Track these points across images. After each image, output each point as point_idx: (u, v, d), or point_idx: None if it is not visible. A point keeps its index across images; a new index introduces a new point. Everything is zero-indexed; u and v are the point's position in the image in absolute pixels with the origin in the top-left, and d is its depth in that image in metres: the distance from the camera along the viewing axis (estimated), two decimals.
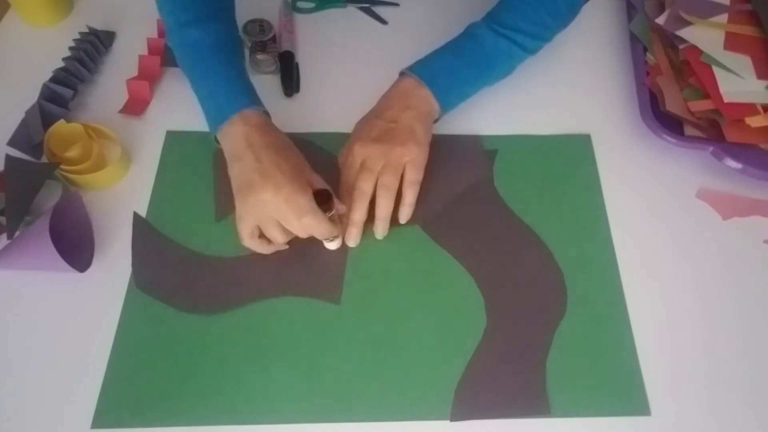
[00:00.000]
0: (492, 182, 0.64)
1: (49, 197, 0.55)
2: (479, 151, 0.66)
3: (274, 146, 0.55)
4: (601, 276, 0.59)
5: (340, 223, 0.58)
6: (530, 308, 0.56)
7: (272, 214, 0.53)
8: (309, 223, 0.53)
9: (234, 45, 0.62)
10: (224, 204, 0.61)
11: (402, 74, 0.63)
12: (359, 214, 0.58)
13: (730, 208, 0.64)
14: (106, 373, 0.52)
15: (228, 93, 0.58)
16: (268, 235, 0.55)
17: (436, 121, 0.63)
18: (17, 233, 0.56)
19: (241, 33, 0.72)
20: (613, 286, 0.58)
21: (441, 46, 0.64)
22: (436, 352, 0.54)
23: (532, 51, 0.65)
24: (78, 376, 0.52)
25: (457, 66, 0.62)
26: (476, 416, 0.51)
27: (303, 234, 0.54)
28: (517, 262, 0.59)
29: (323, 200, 0.55)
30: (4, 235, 0.57)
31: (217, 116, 0.57)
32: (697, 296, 0.58)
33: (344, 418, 0.51)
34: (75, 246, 0.56)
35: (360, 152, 0.58)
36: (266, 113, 0.59)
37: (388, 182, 0.58)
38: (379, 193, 0.58)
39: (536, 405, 0.52)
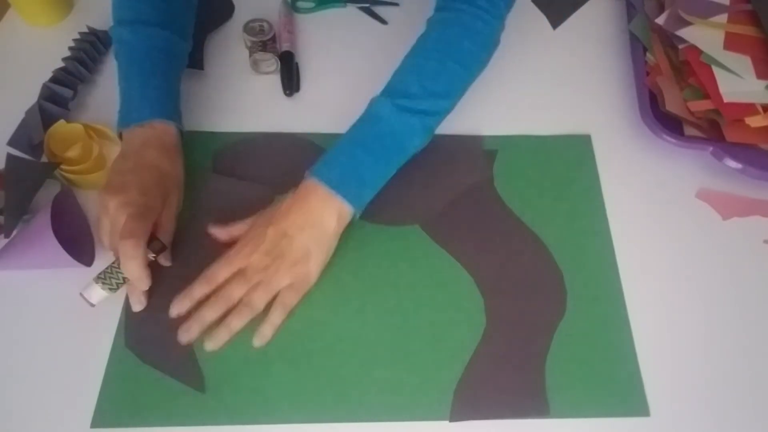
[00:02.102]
0: (492, 182, 0.64)
1: (48, 197, 0.55)
2: (479, 152, 0.66)
3: (155, 170, 0.55)
4: (601, 276, 0.59)
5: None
6: (530, 309, 0.56)
7: (104, 222, 0.54)
8: (125, 248, 0.50)
9: (164, 52, 0.61)
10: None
11: (309, 177, 0.56)
12: (211, 315, 0.52)
13: (730, 208, 0.64)
14: (106, 372, 0.52)
15: (141, 98, 0.58)
16: (96, 232, 0.56)
17: (350, 223, 0.57)
18: (15, 232, 0.56)
19: (241, 33, 0.73)
20: (613, 287, 0.58)
21: (342, 139, 0.57)
22: (435, 353, 0.54)
23: (448, 111, 0.60)
24: (78, 376, 0.52)
25: (367, 161, 0.56)
26: (475, 417, 0.51)
27: (108, 247, 0.54)
28: (516, 263, 0.59)
29: (155, 248, 0.53)
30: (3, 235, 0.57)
31: (125, 118, 0.58)
32: (697, 296, 0.58)
33: (344, 418, 0.51)
34: (75, 242, 0.56)
35: (241, 256, 0.54)
36: (178, 131, 0.59)
37: (256, 303, 0.53)
38: (239, 307, 0.53)
39: (536, 406, 0.52)
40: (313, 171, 0.56)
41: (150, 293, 0.55)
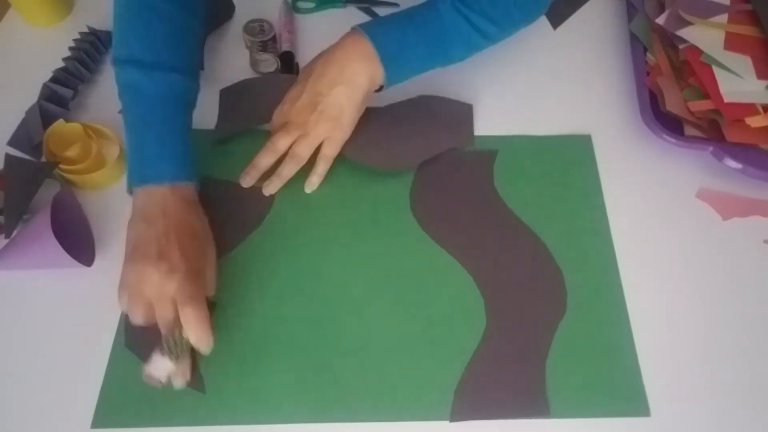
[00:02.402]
0: (492, 182, 0.64)
1: (48, 196, 0.55)
2: (467, 119, 0.67)
3: (188, 230, 0.52)
4: (601, 276, 0.59)
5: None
6: (530, 309, 0.56)
7: (148, 293, 0.49)
8: (189, 314, 0.48)
9: (182, 100, 0.58)
10: None
11: (354, 31, 0.59)
12: (264, 160, 0.60)
13: (730, 208, 0.64)
14: (106, 372, 0.52)
15: (160, 156, 0.53)
16: (128, 309, 0.49)
17: (377, 91, 0.61)
18: (15, 232, 0.56)
19: (241, 33, 0.73)
20: (613, 287, 0.58)
21: (400, 12, 0.60)
22: (435, 353, 0.54)
23: (493, 40, 0.63)
24: (78, 376, 0.52)
25: (412, 39, 0.59)
26: (476, 417, 0.51)
27: (163, 325, 0.49)
28: (516, 263, 0.59)
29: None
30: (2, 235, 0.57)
31: (140, 174, 0.53)
32: (697, 296, 0.58)
33: (344, 418, 0.51)
34: (75, 241, 0.56)
35: (287, 111, 0.60)
36: (196, 187, 0.56)
37: (300, 153, 0.60)
38: (286, 159, 0.60)
39: (536, 406, 0.52)
40: (361, 26, 0.59)
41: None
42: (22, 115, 0.65)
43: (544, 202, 0.63)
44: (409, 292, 0.57)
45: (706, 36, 0.68)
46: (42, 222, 0.53)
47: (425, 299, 0.57)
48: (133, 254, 0.50)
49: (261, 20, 0.73)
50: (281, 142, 0.59)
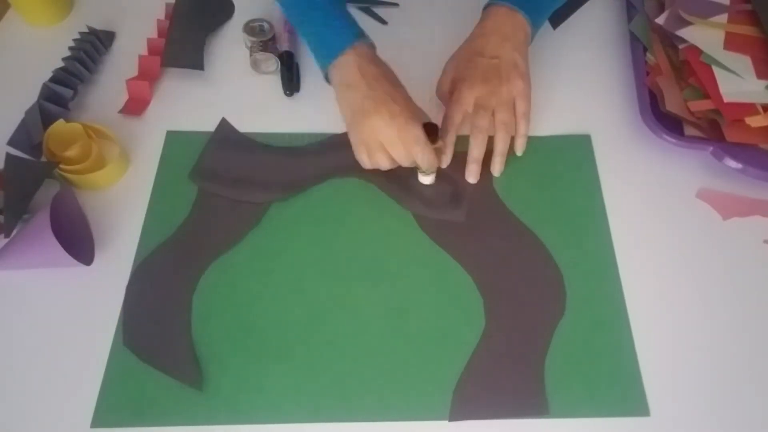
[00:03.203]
0: (491, 183, 0.64)
1: (48, 196, 0.55)
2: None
3: (385, 77, 0.58)
4: (601, 276, 0.59)
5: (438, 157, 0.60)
6: (529, 309, 0.56)
7: (382, 140, 0.56)
8: (418, 153, 0.56)
9: None
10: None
11: (490, 3, 0.64)
12: (479, 150, 0.62)
13: (730, 208, 0.64)
14: (106, 372, 0.52)
15: (339, 28, 0.59)
16: (373, 160, 0.59)
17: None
18: (14, 232, 0.56)
19: (242, 33, 0.73)
20: (613, 287, 0.58)
21: None
22: (435, 352, 0.54)
23: None
24: (78, 375, 0.52)
25: None
26: (475, 416, 0.51)
27: (406, 162, 0.58)
28: (516, 263, 0.59)
29: (429, 132, 0.58)
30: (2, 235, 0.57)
31: (330, 51, 0.59)
32: (696, 296, 0.58)
33: (343, 418, 0.51)
34: (75, 241, 0.56)
35: (470, 93, 0.61)
36: (373, 46, 0.61)
37: (506, 119, 0.61)
38: (498, 131, 0.62)
39: (535, 405, 0.52)
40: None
41: (147, 294, 0.56)
42: (22, 115, 0.65)
43: (543, 202, 0.63)
44: (408, 292, 0.57)
45: (706, 36, 0.68)
46: (42, 221, 0.53)
47: (424, 299, 0.57)
48: (354, 118, 0.58)
49: (261, 20, 0.73)
50: (484, 122, 0.61)
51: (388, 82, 0.58)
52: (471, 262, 0.59)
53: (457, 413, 0.51)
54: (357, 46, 0.58)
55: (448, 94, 0.64)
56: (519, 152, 0.64)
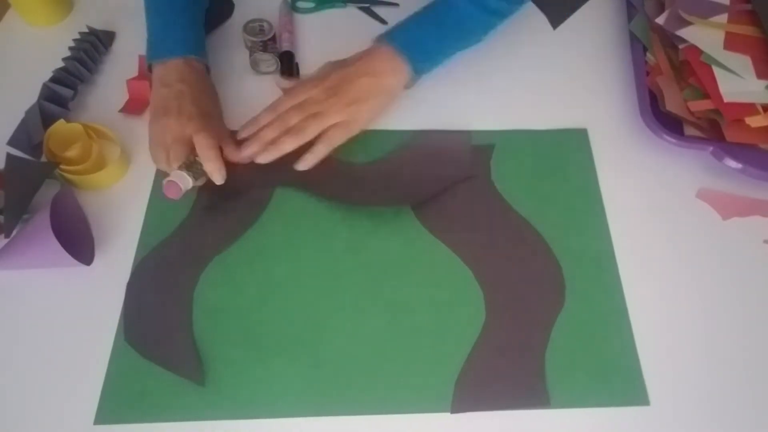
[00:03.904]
0: (489, 177, 0.64)
1: (48, 196, 0.55)
2: (467, 148, 0.66)
3: (201, 91, 0.61)
4: (600, 271, 0.59)
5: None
6: (529, 301, 0.57)
7: (169, 139, 0.58)
8: (201, 140, 0.57)
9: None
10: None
11: (379, 41, 0.64)
12: (266, 119, 0.61)
13: (730, 208, 0.64)
14: (109, 368, 0.52)
15: (181, 37, 0.62)
16: (152, 154, 0.60)
17: (407, 88, 0.66)
18: (14, 232, 0.56)
19: (241, 33, 0.73)
20: (612, 283, 0.58)
21: (417, 13, 0.65)
22: (435, 346, 0.54)
23: (506, 15, 0.67)
24: (80, 372, 0.52)
25: (434, 35, 0.64)
26: (477, 408, 0.51)
27: (176, 163, 0.57)
28: (515, 256, 0.59)
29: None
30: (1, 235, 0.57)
31: (162, 50, 0.61)
32: (696, 296, 0.58)
33: (344, 412, 0.51)
34: (75, 240, 0.56)
35: (305, 91, 0.61)
36: (208, 68, 0.64)
37: (306, 129, 0.60)
38: (291, 131, 0.60)
39: (536, 396, 0.52)
40: (383, 35, 0.64)
41: (148, 290, 0.56)
42: (22, 115, 0.65)
43: (541, 196, 0.63)
44: (409, 286, 0.57)
45: (706, 36, 0.68)
46: (42, 221, 0.53)
47: (424, 293, 0.57)
48: (155, 113, 0.59)
49: (261, 20, 0.73)
50: (291, 117, 0.60)
51: (200, 94, 0.61)
52: (470, 256, 0.59)
53: (459, 405, 0.51)
54: (191, 59, 0.62)
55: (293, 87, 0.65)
56: (299, 167, 0.61)
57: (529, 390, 0.52)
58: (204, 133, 0.57)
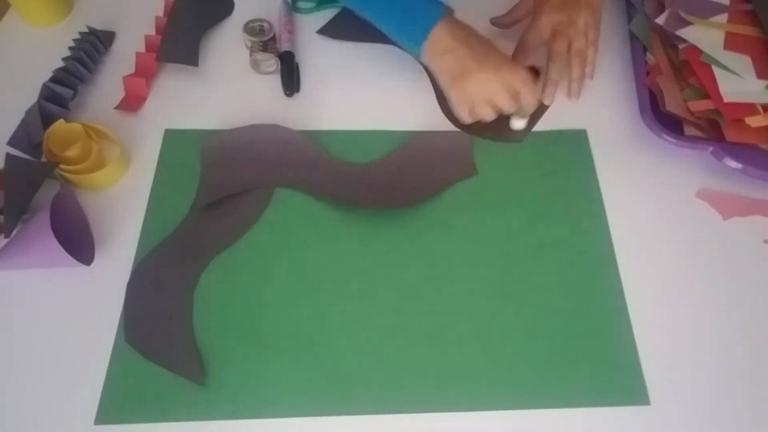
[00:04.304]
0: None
1: (48, 196, 0.55)
2: (468, 148, 0.66)
3: (476, 36, 0.61)
4: (600, 271, 0.59)
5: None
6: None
7: (488, 93, 0.59)
8: (526, 94, 0.60)
9: None
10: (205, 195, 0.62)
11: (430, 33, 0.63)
12: (557, 73, 0.65)
13: (730, 208, 0.64)
14: (109, 368, 0.52)
15: (422, 8, 0.61)
16: (475, 113, 0.61)
17: None
18: (14, 232, 0.56)
19: (242, 33, 0.73)
20: (612, 283, 0.58)
21: None
22: (436, 345, 0.54)
23: None
24: (81, 373, 0.52)
25: None
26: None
27: (511, 108, 0.60)
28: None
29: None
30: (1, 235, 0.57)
31: (421, 30, 0.60)
32: (696, 296, 0.58)
33: (345, 412, 0.51)
34: (75, 240, 0.56)
35: (549, 20, 0.65)
36: (452, 10, 0.62)
37: (582, 47, 0.65)
38: (574, 57, 0.65)
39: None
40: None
41: (148, 290, 0.56)
42: (22, 115, 0.65)
43: (541, 195, 0.63)
44: (409, 285, 0.57)
45: (706, 36, 0.68)
46: (42, 221, 0.53)
47: (425, 293, 0.57)
48: (455, 79, 0.60)
49: (261, 20, 0.73)
50: (562, 48, 0.65)
51: (481, 40, 0.61)
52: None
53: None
54: (443, 17, 0.60)
55: (521, 14, 0.70)
56: (588, 79, 0.67)
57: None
58: (529, 87, 0.59)
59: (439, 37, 0.59)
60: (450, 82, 0.61)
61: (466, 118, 0.62)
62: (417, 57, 0.62)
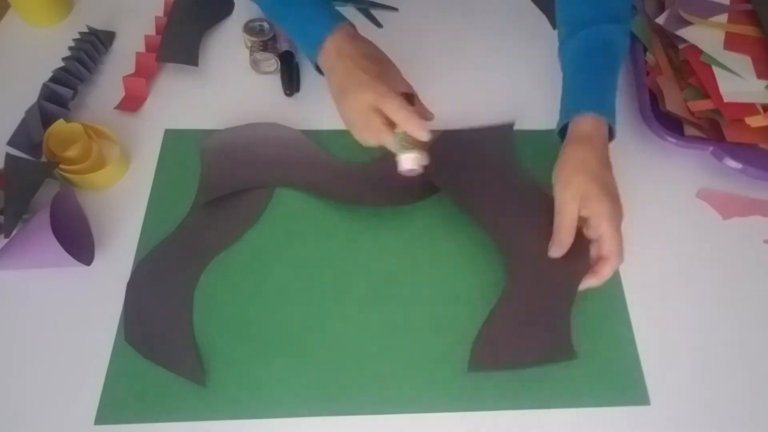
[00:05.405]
0: (511, 153, 0.66)
1: (48, 196, 0.55)
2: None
3: (362, 54, 0.58)
4: None
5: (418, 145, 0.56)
6: (552, 266, 0.56)
7: (357, 116, 0.57)
8: (389, 108, 0.55)
9: None
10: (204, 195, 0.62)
11: (579, 114, 0.58)
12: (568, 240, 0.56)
13: (730, 208, 0.64)
14: (109, 369, 0.52)
15: (315, 18, 0.60)
16: (361, 137, 0.58)
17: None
18: (14, 232, 0.56)
19: (242, 33, 0.73)
20: (613, 283, 0.58)
21: (589, 68, 0.61)
22: (436, 344, 0.54)
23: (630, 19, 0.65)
24: (81, 373, 0.52)
25: (611, 81, 0.61)
26: (496, 365, 0.52)
27: (378, 135, 0.56)
28: (537, 225, 0.58)
29: (408, 101, 0.57)
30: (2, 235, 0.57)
31: (312, 42, 0.60)
32: (696, 296, 0.58)
33: (346, 412, 0.51)
34: (75, 240, 0.56)
35: (603, 213, 0.54)
36: (353, 25, 0.62)
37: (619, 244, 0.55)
38: (609, 258, 0.55)
39: (562, 349, 0.52)
40: (584, 107, 0.58)
41: (148, 290, 0.56)
42: (22, 115, 0.65)
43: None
44: (409, 284, 0.58)
45: (706, 36, 0.68)
46: (42, 221, 0.53)
47: (425, 292, 0.57)
48: (337, 98, 0.59)
49: (261, 20, 0.73)
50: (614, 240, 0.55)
51: (363, 58, 0.58)
52: (492, 224, 0.59)
53: (476, 362, 0.52)
54: (335, 31, 0.59)
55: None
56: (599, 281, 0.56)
57: (553, 343, 0.52)
58: (387, 99, 0.55)
59: (329, 51, 0.59)
60: (335, 98, 0.59)
61: (358, 138, 0.58)
62: (317, 70, 0.62)
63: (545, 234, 0.57)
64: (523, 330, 0.53)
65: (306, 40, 0.61)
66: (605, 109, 0.58)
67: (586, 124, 0.58)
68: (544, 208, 0.58)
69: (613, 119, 0.58)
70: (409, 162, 0.55)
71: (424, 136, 0.54)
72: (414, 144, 0.55)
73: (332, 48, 0.58)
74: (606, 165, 0.57)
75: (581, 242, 0.57)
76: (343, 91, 0.57)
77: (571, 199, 0.55)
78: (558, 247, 0.56)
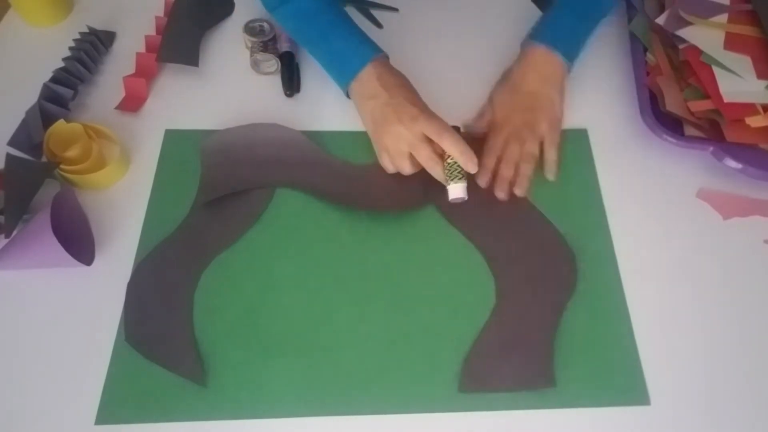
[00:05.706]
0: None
1: (48, 196, 0.55)
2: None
3: (403, 85, 0.61)
4: (600, 270, 0.59)
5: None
6: (540, 285, 0.57)
7: (405, 144, 0.58)
8: (447, 141, 0.57)
9: (339, 6, 0.66)
10: (205, 194, 0.62)
11: (527, 44, 0.67)
12: (508, 172, 0.62)
13: (730, 208, 0.64)
14: (109, 369, 0.52)
15: (355, 48, 0.62)
16: (396, 165, 0.61)
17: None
18: (15, 232, 0.56)
19: (242, 33, 0.73)
20: (612, 282, 0.58)
21: (555, 6, 0.68)
22: (436, 344, 0.54)
23: None
24: (81, 373, 0.52)
25: (576, 24, 0.68)
26: (484, 388, 0.52)
27: (430, 164, 0.58)
28: (527, 243, 0.60)
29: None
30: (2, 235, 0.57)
31: (350, 67, 0.61)
32: (696, 296, 0.58)
33: (346, 412, 0.51)
34: (75, 241, 0.56)
35: (507, 124, 0.64)
36: (387, 56, 0.64)
37: (534, 151, 0.63)
38: (524, 161, 0.62)
39: (542, 377, 0.53)
40: (532, 37, 0.67)
41: (149, 290, 0.56)
42: (22, 115, 0.65)
43: (541, 195, 0.63)
44: (409, 284, 0.58)
45: (706, 36, 0.68)
46: (42, 222, 0.53)
47: (424, 292, 0.57)
48: (376, 126, 0.60)
49: (261, 20, 0.73)
50: (514, 153, 0.63)
51: (406, 90, 0.60)
52: (482, 241, 0.60)
53: (466, 384, 0.52)
54: (375, 60, 0.61)
55: (485, 122, 0.67)
56: (551, 177, 0.64)
57: (535, 371, 0.53)
58: (447, 134, 0.57)
59: (365, 80, 0.60)
60: (372, 128, 0.61)
61: (390, 167, 0.61)
62: (345, 93, 0.64)
63: (533, 249, 0.59)
64: (509, 355, 0.54)
65: (342, 66, 0.63)
66: (557, 45, 0.65)
67: (535, 53, 0.66)
68: (533, 224, 0.60)
69: (568, 59, 0.65)
70: (460, 191, 0.58)
71: (474, 169, 0.58)
72: (462, 173, 0.58)
73: (372, 76, 0.60)
74: (549, 84, 0.65)
75: (565, 255, 0.58)
76: (387, 121, 0.59)
77: (500, 126, 0.64)
78: (483, 171, 0.62)
